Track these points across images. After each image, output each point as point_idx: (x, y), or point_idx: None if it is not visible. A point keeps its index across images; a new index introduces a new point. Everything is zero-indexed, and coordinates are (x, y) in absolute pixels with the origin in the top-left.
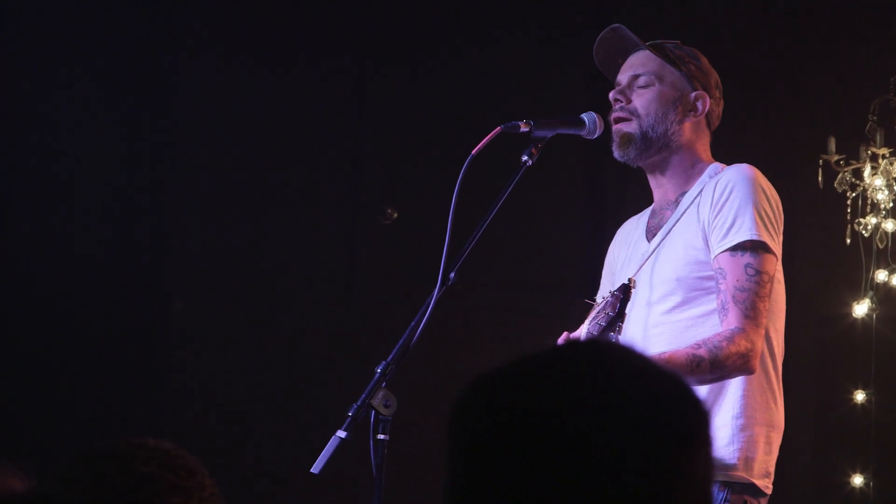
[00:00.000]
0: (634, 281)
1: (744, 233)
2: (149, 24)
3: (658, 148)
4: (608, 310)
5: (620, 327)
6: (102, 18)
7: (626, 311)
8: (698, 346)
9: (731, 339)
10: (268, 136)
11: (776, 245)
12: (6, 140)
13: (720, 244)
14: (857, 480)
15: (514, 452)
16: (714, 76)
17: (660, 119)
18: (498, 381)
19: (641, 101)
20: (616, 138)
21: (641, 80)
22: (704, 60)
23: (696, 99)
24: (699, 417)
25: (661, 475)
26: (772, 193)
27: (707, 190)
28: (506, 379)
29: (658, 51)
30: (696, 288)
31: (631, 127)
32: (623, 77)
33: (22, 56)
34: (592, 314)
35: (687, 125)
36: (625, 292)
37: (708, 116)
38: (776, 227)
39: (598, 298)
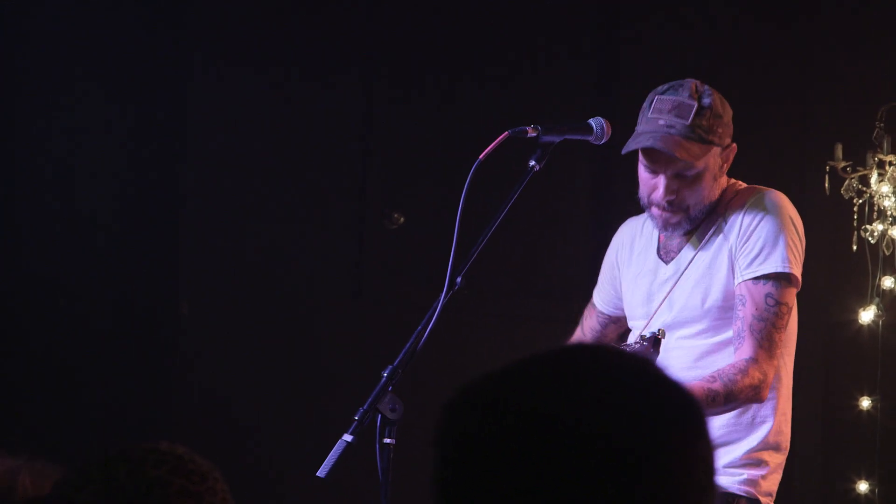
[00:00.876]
0: (664, 332)
1: (770, 264)
2: (164, 32)
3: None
4: None
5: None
6: (120, 25)
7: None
8: (713, 379)
9: (745, 371)
10: (276, 142)
11: (798, 277)
12: (16, 141)
13: (745, 272)
14: (863, 487)
15: (508, 455)
16: (728, 110)
17: (706, 199)
18: (493, 383)
19: (693, 195)
20: (661, 224)
21: (690, 173)
22: (717, 100)
23: (728, 153)
24: (697, 421)
25: (658, 478)
26: (799, 224)
27: (734, 215)
28: (501, 381)
29: (696, 151)
30: (720, 317)
31: (680, 218)
32: (662, 168)
33: (34, 59)
34: None
35: (723, 178)
36: (655, 346)
37: None
38: (801, 258)
39: (595, 297)
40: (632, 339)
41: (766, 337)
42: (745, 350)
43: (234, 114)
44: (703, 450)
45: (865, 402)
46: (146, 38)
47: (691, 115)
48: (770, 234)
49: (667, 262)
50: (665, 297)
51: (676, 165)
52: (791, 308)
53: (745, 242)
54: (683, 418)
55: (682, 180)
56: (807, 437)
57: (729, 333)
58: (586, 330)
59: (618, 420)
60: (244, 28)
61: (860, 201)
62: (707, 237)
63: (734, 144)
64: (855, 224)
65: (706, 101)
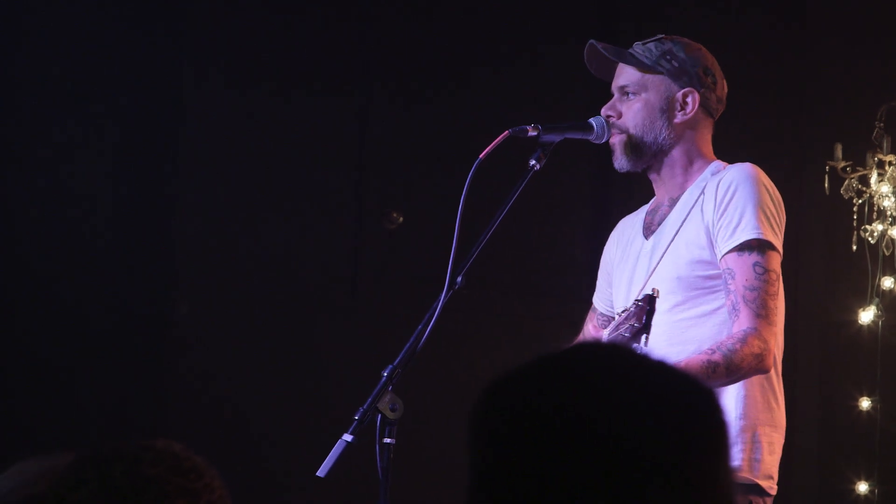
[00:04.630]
0: (658, 291)
1: (749, 231)
2: (161, 31)
3: (652, 154)
4: (633, 321)
5: (646, 339)
6: (117, 25)
7: (652, 322)
8: (712, 351)
9: (744, 340)
10: (274, 141)
11: (780, 243)
12: (12, 143)
13: (726, 244)
14: (862, 488)
15: (538, 454)
16: (702, 63)
17: (647, 128)
18: (519, 382)
19: (629, 113)
20: (612, 151)
21: (629, 91)
22: (690, 49)
23: (685, 97)
24: (720, 422)
25: (682, 477)
26: (774, 192)
27: (710, 189)
28: (527, 380)
29: (635, 60)
30: (697, 287)
31: (620, 141)
32: (614, 88)
33: (30, 59)
34: (614, 324)
35: (678, 125)
36: (650, 303)
37: (704, 107)
38: (780, 225)
39: (595, 300)
40: (625, 307)
41: (761, 305)
42: (743, 321)
43: (230, 113)
44: (725, 451)
45: (865, 403)
46: (144, 37)
47: (647, 41)
48: (746, 204)
49: (647, 238)
50: (644, 271)
51: (619, 80)
52: (779, 276)
53: (721, 215)
54: (707, 420)
55: (625, 102)
56: (806, 437)
57: (707, 306)
58: (587, 336)
59: (641, 421)
60: (241, 29)
61: (860, 201)
62: (686, 210)
63: (696, 92)
64: (855, 224)
65: (669, 41)
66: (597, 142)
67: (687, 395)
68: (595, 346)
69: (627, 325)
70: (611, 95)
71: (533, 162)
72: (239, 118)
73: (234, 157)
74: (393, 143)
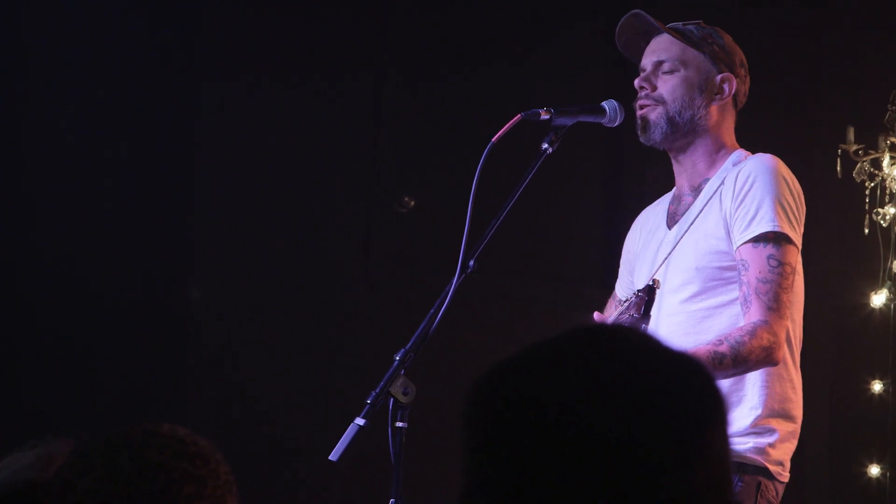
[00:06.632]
0: (659, 282)
1: (765, 224)
2: (176, 23)
3: (685, 132)
4: (632, 311)
5: (644, 329)
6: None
7: (651, 313)
8: (720, 342)
9: (753, 332)
10: (288, 127)
11: (797, 236)
12: (32, 136)
13: (742, 235)
14: (874, 471)
15: (531, 440)
16: (738, 55)
17: (686, 104)
18: (512, 370)
19: (667, 87)
20: (641, 123)
21: (666, 66)
22: (728, 39)
23: (723, 81)
24: (715, 399)
25: (678, 458)
26: (794, 184)
27: (729, 179)
28: (520, 367)
29: (679, 34)
30: (714, 278)
31: (657, 113)
32: (647, 63)
33: (47, 53)
34: (615, 314)
35: (714, 108)
36: (649, 294)
37: (734, 97)
38: (798, 218)
39: (617, 287)
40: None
41: (773, 298)
42: (753, 313)
43: (244, 99)
44: (722, 429)
45: (877, 386)
46: (157, 29)
47: (687, 23)
48: (764, 196)
49: (670, 228)
50: (664, 260)
51: (655, 55)
52: (794, 269)
53: (739, 206)
54: (702, 398)
55: (661, 76)
56: (818, 420)
57: (724, 297)
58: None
59: (635, 402)
60: (256, 13)
61: (872, 184)
62: (707, 199)
63: (734, 78)
64: (867, 207)
65: (710, 28)
66: (609, 125)
67: (681, 376)
68: (590, 329)
69: (627, 316)
70: (626, 75)
71: (545, 145)
72: (253, 104)
73: (249, 143)
74: (405, 126)
